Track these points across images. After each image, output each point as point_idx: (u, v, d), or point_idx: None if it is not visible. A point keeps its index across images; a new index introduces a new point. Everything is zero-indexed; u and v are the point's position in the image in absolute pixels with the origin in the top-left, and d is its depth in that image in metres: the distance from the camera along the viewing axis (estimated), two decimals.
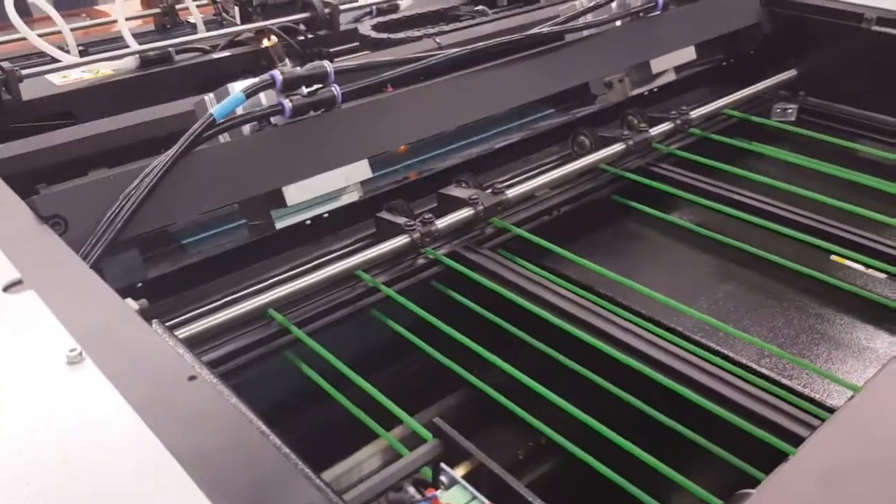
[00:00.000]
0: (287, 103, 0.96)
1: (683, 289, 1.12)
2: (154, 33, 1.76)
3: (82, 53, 1.58)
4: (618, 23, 1.34)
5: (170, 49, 1.55)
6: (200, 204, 0.91)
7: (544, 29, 1.23)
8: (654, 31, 1.40)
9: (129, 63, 1.52)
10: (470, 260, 1.08)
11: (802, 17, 1.59)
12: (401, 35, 1.61)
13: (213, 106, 0.97)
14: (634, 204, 1.27)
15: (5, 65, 1.35)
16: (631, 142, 1.30)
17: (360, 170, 1.04)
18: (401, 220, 1.07)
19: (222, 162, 0.93)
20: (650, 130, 1.35)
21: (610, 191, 1.30)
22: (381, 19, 1.72)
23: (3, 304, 0.64)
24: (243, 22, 1.68)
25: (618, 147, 1.30)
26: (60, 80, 1.45)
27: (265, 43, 1.61)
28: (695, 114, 1.41)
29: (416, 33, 1.62)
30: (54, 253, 0.71)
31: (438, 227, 1.07)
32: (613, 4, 1.34)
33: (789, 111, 1.61)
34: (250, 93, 0.95)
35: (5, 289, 0.65)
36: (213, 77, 1.58)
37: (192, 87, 1.56)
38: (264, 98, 0.98)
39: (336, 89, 1.00)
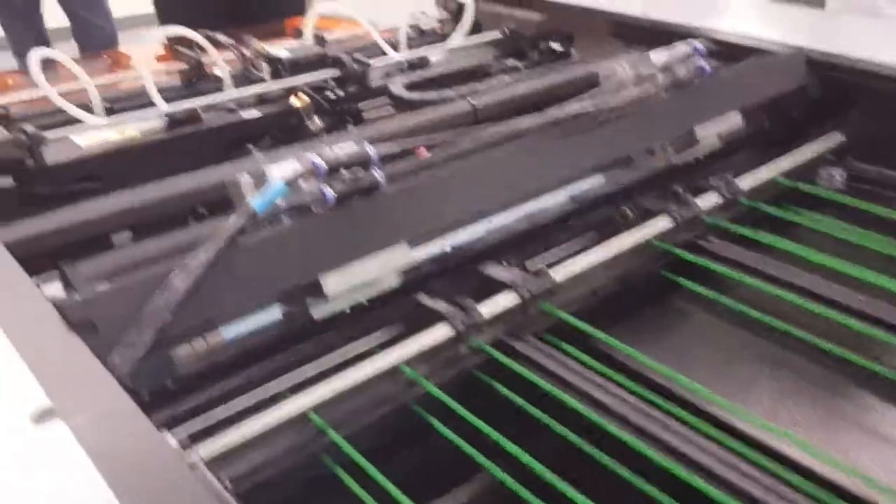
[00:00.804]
0: (330, 193, 0.91)
1: (738, 379, 1.07)
2: (180, 88, 1.73)
3: (108, 111, 1.55)
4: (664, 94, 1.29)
5: (197, 108, 1.51)
6: (238, 302, 0.86)
7: (590, 108, 1.18)
8: (699, 96, 1.35)
9: (157, 123, 1.48)
10: (515, 349, 1.02)
11: (849, 78, 1.54)
12: (433, 95, 1.57)
13: (250, 190, 0.93)
14: (683, 281, 1.21)
15: (29, 128, 1.32)
16: (679, 216, 1.25)
17: (402, 254, 0.99)
18: (441, 305, 1.01)
19: (261, 254, 0.88)
20: (698, 203, 1.29)
21: (658, 266, 1.24)
22: (412, 77, 1.67)
23: (34, 440, 0.59)
24: (273, 79, 1.65)
25: (666, 221, 1.24)
26: (86, 142, 1.41)
27: (295, 102, 1.57)
28: (744, 184, 1.35)
29: (450, 94, 1.58)
30: (87, 374, 0.66)
31: (484, 316, 1.01)
32: (659, 76, 1.29)
33: (836, 177, 1.55)
34: (292, 181, 0.90)
35: (36, 421, 0.60)
36: (241, 136, 1.56)
37: (220, 146, 1.53)
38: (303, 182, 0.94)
39: (379, 174, 0.95)
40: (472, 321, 0.99)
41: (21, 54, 4.19)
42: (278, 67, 1.63)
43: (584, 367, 1.00)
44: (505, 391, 0.97)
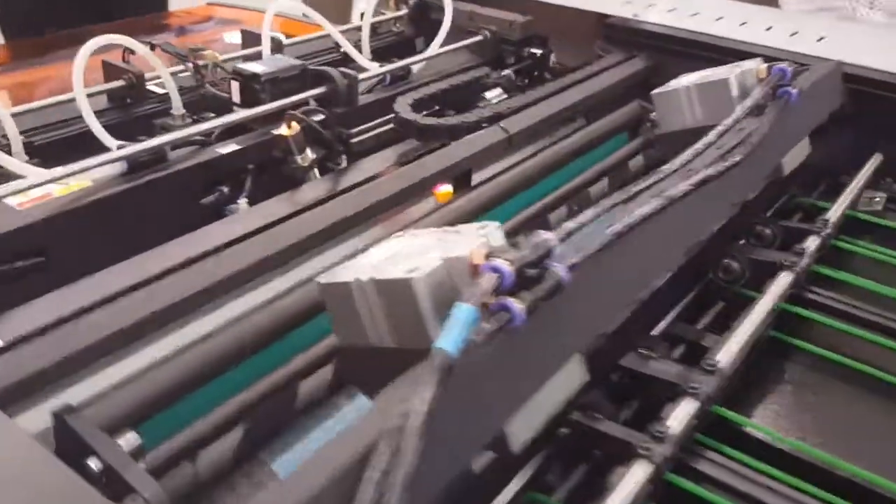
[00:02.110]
0: (518, 308, 0.64)
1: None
2: (114, 110, 1.33)
3: (36, 153, 1.15)
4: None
5: (164, 146, 1.15)
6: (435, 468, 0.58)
7: (738, 158, 0.97)
8: (785, 124, 1.19)
9: (109, 168, 1.11)
10: (695, 470, 0.81)
11: (884, 94, 1.44)
12: (453, 121, 1.30)
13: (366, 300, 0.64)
14: (797, 342, 1.05)
15: None
16: (798, 268, 1.08)
17: (579, 372, 0.74)
18: (615, 431, 0.78)
19: (449, 410, 0.60)
20: (805, 248, 1.13)
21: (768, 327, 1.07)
22: (415, 96, 1.39)
23: None
24: (245, 101, 1.30)
25: (786, 277, 1.07)
26: (19, 201, 1.02)
27: (284, 131, 1.24)
28: (831, 218, 1.22)
29: (471, 117, 1.32)
30: None
31: (672, 436, 0.79)
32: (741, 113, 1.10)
33: (877, 200, 1.46)
34: (483, 302, 0.62)
35: None
36: (216, 178, 1.21)
37: (190, 192, 1.19)
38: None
39: (561, 269, 0.69)
40: (668, 456, 0.77)
41: None
42: (253, 86, 1.29)
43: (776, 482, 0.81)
44: None
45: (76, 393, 0.81)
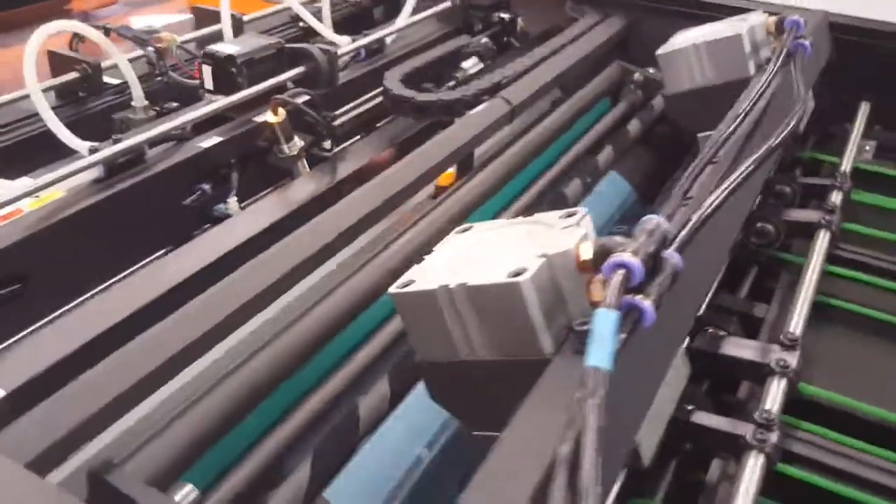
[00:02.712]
0: (648, 306, 0.57)
1: None
2: (67, 106, 1.18)
3: None
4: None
5: (142, 144, 1.02)
6: None
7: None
8: (800, 78, 1.15)
9: (89, 174, 0.97)
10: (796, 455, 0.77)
11: (870, 42, 1.43)
12: (456, 96, 1.21)
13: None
14: (839, 302, 1.03)
15: None
16: (833, 227, 1.05)
17: (684, 367, 0.68)
18: (717, 422, 0.72)
19: None
20: (835, 205, 1.10)
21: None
22: (401, 70, 1.28)
23: None
24: (218, 86, 1.16)
25: (825, 236, 1.04)
26: None
27: (271, 118, 1.12)
28: (846, 171, 1.20)
29: (468, 91, 1.22)
30: None
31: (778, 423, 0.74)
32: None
33: (867, 149, 1.45)
34: (626, 306, 0.54)
35: None
36: (200, 175, 1.09)
37: (175, 192, 1.06)
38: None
39: (675, 255, 0.62)
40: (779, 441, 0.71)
41: None
42: (228, 69, 1.15)
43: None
44: None
45: (104, 445, 0.69)
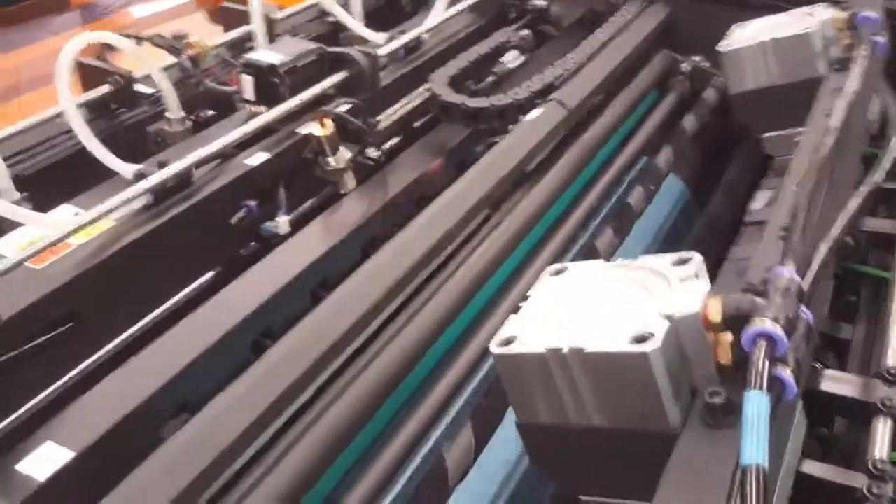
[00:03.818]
0: (790, 379, 0.52)
1: None
2: (99, 120, 1.12)
3: (27, 184, 0.93)
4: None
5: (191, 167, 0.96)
6: None
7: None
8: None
9: (126, 201, 0.91)
10: None
11: None
12: (508, 100, 1.14)
13: None
14: None
15: None
16: None
17: (801, 421, 0.64)
18: (832, 475, 0.68)
19: None
20: None
21: None
22: (446, 72, 1.22)
23: None
24: (261, 96, 1.10)
25: None
26: (21, 253, 0.81)
27: (318, 130, 1.06)
28: None
29: (521, 93, 1.16)
30: None
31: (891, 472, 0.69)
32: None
33: None
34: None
35: None
36: (248, 191, 1.04)
37: (222, 212, 1.01)
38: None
39: (807, 314, 0.57)
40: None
41: None
42: (270, 80, 1.09)
43: None
44: None
45: None
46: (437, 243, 0.88)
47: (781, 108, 1.13)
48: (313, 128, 1.07)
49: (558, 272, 0.68)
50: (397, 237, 0.89)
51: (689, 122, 1.35)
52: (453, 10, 1.47)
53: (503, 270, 0.98)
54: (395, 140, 1.24)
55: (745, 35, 1.18)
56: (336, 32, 1.48)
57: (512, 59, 1.47)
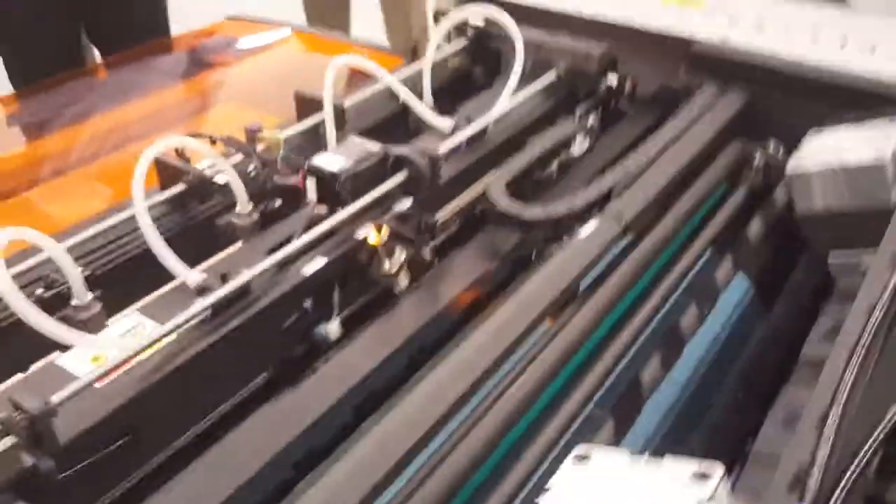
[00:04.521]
0: None
1: None
2: (170, 216, 1.18)
3: (97, 283, 0.99)
4: None
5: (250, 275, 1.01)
6: None
7: None
8: None
9: (193, 309, 0.96)
10: None
11: None
12: (563, 210, 1.15)
13: None
14: None
15: (31, 404, 0.78)
16: None
17: None
18: None
19: None
20: None
21: None
22: (505, 175, 1.23)
23: None
24: (322, 198, 1.14)
25: None
26: (85, 369, 0.87)
27: (374, 237, 1.09)
28: None
29: (577, 202, 1.16)
30: None
31: None
32: None
33: None
34: None
35: None
36: (304, 298, 1.07)
37: (279, 320, 1.05)
38: None
39: None
40: None
41: None
42: (332, 185, 1.13)
43: None
44: None
45: None
46: (482, 376, 0.90)
47: (849, 231, 1.10)
48: (370, 233, 1.10)
49: (582, 459, 0.68)
50: (450, 357, 0.91)
51: (756, 226, 1.31)
52: (521, 97, 1.46)
53: (546, 395, 0.99)
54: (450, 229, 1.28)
55: (817, 151, 1.14)
56: (406, 112, 1.51)
57: (577, 142, 1.47)
